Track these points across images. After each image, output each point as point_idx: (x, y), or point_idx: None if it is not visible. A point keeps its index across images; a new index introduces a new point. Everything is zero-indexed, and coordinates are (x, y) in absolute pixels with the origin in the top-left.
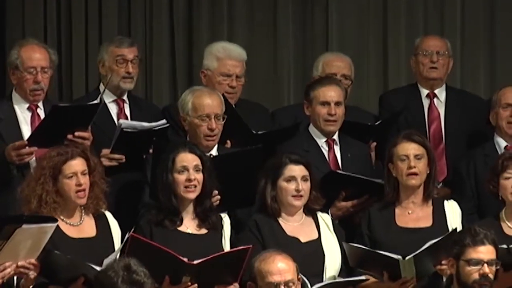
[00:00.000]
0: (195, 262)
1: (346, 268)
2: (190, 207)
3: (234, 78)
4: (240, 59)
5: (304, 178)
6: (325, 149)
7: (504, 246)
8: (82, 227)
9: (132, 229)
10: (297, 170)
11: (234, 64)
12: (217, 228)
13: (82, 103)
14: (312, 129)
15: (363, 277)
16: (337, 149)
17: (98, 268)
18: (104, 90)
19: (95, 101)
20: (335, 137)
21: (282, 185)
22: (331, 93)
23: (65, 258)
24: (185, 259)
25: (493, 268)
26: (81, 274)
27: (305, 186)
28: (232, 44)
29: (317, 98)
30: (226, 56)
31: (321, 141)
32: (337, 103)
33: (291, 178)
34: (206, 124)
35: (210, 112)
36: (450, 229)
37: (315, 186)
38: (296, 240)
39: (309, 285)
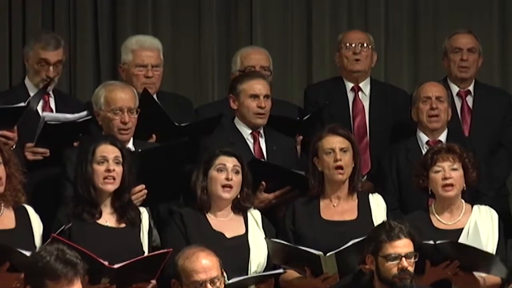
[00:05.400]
0: (115, 266)
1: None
2: (109, 200)
3: (149, 68)
4: (153, 48)
5: (235, 170)
6: (250, 141)
7: (431, 242)
8: (1, 220)
9: (59, 230)
10: (229, 160)
11: (148, 55)
12: (136, 222)
13: (10, 106)
14: (237, 122)
15: (280, 270)
16: (262, 141)
17: (27, 253)
18: (38, 93)
19: (22, 104)
20: (260, 129)
21: (213, 175)
22: (260, 86)
23: None
24: (106, 263)
25: (412, 260)
26: (6, 260)
27: (236, 178)
28: (146, 35)
29: (246, 91)
30: (140, 47)
31: (247, 134)
32: (266, 96)
33: (222, 168)
34: (119, 118)
35: (122, 105)
36: (375, 222)
37: (247, 183)
38: (221, 235)
39: (226, 278)
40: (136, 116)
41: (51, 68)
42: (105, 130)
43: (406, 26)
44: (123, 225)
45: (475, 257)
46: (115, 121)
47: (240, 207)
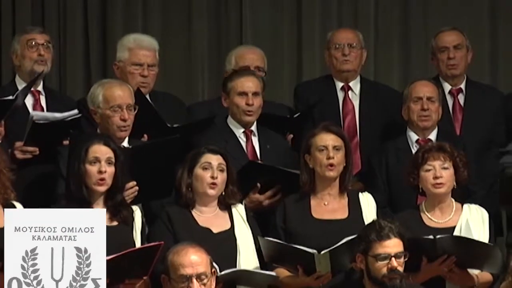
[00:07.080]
0: (106, 258)
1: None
2: (101, 199)
3: (145, 67)
4: (150, 48)
5: (220, 168)
6: (243, 140)
7: (431, 237)
8: None
9: None
10: (213, 159)
11: (145, 54)
12: (128, 221)
13: None
14: (230, 121)
15: (273, 274)
16: (255, 140)
17: None
18: (29, 85)
19: (10, 97)
20: (253, 128)
21: (198, 173)
22: (249, 84)
23: None
24: None
25: (401, 260)
26: None
27: (221, 176)
28: (143, 35)
29: (235, 88)
30: (137, 46)
31: (239, 132)
32: (255, 94)
33: (207, 166)
34: (118, 115)
35: (122, 102)
36: (365, 221)
37: (232, 180)
38: (208, 230)
39: (218, 271)
40: (134, 113)
41: (40, 47)
42: (102, 128)
43: (396, 23)
44: (115, 223)
45: (475, 251)
46: (115, 118)
47: (225, 204)
